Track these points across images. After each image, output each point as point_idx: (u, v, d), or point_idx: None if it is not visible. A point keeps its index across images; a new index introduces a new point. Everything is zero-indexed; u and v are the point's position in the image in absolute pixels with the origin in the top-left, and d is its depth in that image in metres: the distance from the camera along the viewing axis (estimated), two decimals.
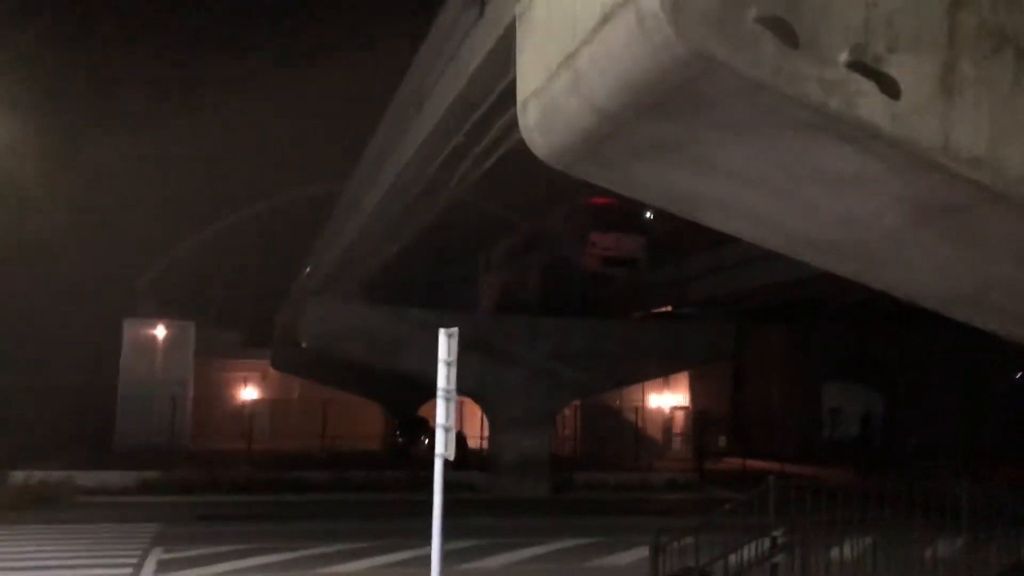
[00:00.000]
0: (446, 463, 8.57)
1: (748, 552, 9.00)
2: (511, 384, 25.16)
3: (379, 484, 24.67)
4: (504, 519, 19.51)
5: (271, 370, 47.42)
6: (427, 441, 32.97)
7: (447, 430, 8.43)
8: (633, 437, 34.40)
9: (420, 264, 24.83)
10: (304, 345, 26.73)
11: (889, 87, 4.43)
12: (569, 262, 28.38)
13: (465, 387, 28.27)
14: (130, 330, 40.15)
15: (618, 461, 32.52)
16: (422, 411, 42.13)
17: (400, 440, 39.17)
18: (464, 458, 28.94)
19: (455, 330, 8.52)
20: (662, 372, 32.36)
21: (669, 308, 28.94)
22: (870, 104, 4.44)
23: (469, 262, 26.67)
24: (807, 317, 33.60)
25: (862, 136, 4.58)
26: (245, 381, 48.22)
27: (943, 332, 24.25)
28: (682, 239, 24.77)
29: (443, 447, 8.42)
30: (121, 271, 43.84)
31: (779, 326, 40.85)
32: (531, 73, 5.74)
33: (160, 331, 40.65)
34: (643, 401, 41.24)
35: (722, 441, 37.89)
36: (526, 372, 25.15)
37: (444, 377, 8.49)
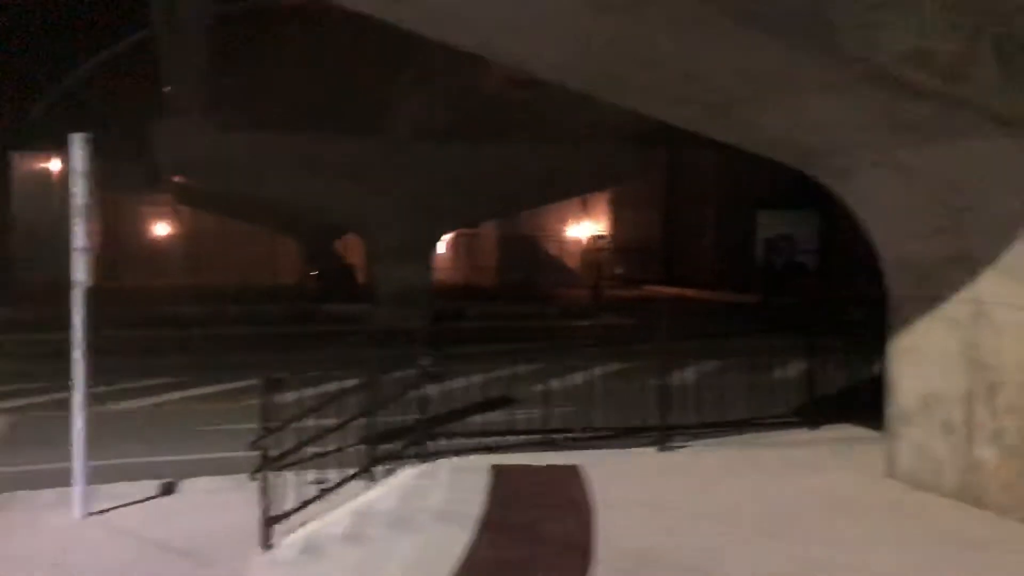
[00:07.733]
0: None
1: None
2: (386, 213, 24.04)
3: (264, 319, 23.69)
4: (354, 350, 18.75)
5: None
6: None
7: (85, 252, 7.34)
8: (544, 267, 33.80)
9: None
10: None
11: None
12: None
13: (339, 217, 26.94)
14: (21, 164, 38.33)
15: (525, 291, 31.94)
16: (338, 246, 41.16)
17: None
18: (352, 290, 28.28)
19: (88, 135, 7.30)
20: (546, 199, 30.93)
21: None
22: None
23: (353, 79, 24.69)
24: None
25: None
26: (156, 216, 46.80)
27: None
28: None
29: (81, 272, 7.34)
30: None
31: (712, 153, 39.51)
32: None
33: (55, 165, 38.81)
34: (562, 231, 40.52)
35: (618, 269, 37.27)
36: (402, 201, 23.98)
37: (80, 190, 7.33)
